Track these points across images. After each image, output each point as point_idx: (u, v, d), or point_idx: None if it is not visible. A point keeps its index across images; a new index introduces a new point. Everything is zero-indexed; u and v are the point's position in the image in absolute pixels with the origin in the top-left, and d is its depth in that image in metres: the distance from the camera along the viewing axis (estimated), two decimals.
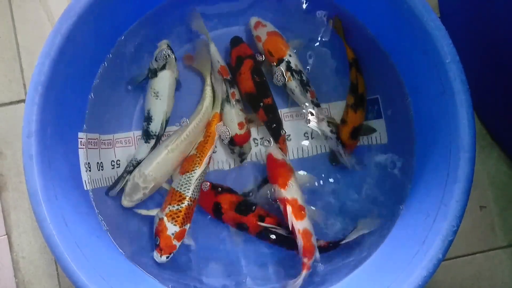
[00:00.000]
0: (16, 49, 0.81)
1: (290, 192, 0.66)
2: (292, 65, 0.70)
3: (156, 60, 0.70)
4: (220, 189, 0.70)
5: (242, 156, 0.72)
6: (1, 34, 0.81)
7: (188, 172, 0.66)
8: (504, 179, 0.80)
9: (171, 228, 0.64)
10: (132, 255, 0.66)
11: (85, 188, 0.66)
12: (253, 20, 0.73)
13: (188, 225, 0.66)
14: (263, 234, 0.67)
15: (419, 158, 0.66)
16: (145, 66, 0.72)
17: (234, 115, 0.70)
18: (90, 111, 0.68)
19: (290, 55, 0.71)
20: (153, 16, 0.72)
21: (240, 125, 0.70)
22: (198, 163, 0.66)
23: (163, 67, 0.70)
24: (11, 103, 0.80)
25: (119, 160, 0.71)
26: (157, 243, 0.64)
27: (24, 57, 0.81)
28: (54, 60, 0.58)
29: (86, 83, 0.68)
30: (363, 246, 0.67)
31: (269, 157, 0.70)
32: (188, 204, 0.65)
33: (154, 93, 0.70)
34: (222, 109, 0.71)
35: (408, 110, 0.68)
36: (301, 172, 0.71)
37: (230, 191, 0.70)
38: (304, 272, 0.63)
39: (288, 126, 0.73)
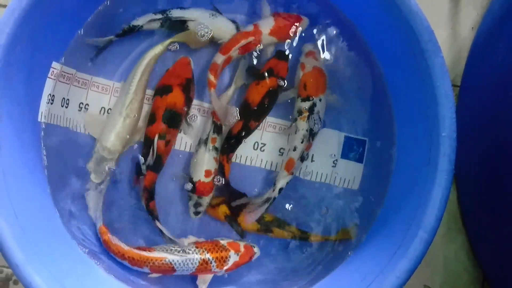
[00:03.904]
0: None
1: None
2: (316, 109, 0.65)
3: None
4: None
5: (197, 208, 0.66)
6: None
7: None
8: (458, 268, 0.77)
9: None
10: (60, 200, 0.63)
11: (39, 119, 0.62)
12: (308, 47, 0.68)
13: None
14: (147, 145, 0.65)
15: (378, 219, 0.63)
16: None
17: (205, 160, 0.65)
18: (75, 46, 0.65)
19: (320, 100, 0.66)
20: None
21: (207, 173, 0.65)
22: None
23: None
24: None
25: (88, 105, 0.66)
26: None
27: None
28: None
29: (80, 15, 0.64)
30: None
31: None
32: None
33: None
34: (196, 150, 0.66)
35: (390, 166, 0.65)
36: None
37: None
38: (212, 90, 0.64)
39: (267, 136, 0.69)
